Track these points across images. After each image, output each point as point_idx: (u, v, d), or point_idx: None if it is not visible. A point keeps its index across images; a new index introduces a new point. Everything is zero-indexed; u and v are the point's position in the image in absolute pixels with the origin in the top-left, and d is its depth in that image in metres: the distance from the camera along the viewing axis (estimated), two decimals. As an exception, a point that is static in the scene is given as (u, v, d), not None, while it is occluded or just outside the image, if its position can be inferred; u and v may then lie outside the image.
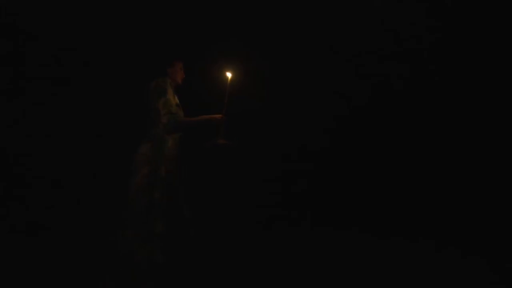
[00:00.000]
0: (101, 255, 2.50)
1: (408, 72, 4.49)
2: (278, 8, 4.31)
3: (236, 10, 4.22)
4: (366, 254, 3.57)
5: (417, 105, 4.54)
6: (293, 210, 4.50)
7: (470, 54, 4.37)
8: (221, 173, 4.32)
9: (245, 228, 4.20)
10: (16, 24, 3.97)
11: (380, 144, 4.60)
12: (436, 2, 4.34)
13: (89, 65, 4.09)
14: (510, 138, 4.23)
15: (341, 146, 4.64)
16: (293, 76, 4.50)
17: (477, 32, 4.33)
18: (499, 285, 2.87)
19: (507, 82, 4.28)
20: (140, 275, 2.33)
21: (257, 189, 4.42)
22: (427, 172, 4.47)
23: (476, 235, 3.93)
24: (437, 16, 4.36)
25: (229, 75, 2.71)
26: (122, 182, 2.51)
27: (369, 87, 4.56)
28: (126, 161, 2.55)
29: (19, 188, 3.92)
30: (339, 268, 3.21)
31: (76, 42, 4.07)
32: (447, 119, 4.45)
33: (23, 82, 4.01)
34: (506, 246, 3.68)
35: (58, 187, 3.99)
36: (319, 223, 4.42)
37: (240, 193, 4.38)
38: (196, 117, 2.61)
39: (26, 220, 3.82)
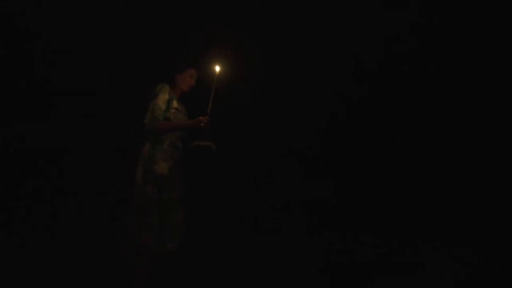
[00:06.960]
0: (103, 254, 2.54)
1: (408, 73, 4.50)
2: (276, 7, 4.30)
3: (234, 7, 4.20)
4: (365, 254, 3.57)
5: (416, 105, 4.54)
6: (291, 212, 4.50)
7: (470, 55, 4.37)
8: (213, 174, 4.27)
9: (242, 231, 4.19)
10: (16, 24, 3.97)
11: (379, 145, 4.60)
12: (436, 2, 4.34)
13: (92, 65, 4.08)
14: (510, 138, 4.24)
15: (339, 147, 4.64)
16: (292, 76, 4.50)
17: (477, 32, 4.33)
18: (498, 285, 2.87)
19: (507, 82, 4.29)
20: (139, 267, 2.42)
21: (253, 191, 4.41)
22: (427, 173, 4.47)
23: (476, 235, 3.94)
24: (437, 16, 4.36)
25: (217, 69, 2.51)
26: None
27: (368, 87, 4.56)
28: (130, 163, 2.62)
29: (19, 188, 3.92)
30: (339, 269, 3.21)
31: (76, 42, 4.07)
32: (447, 120, 4.46)
33: (23, 82, 4.01)
34: (506, 246, 3.68)
35: (58, 188, 3.99)
36: (317, 226, 4.41)
37: (236, 194, 4.36)
38: (175, 122, 2.58)
39: (26, 220, 3.82)
